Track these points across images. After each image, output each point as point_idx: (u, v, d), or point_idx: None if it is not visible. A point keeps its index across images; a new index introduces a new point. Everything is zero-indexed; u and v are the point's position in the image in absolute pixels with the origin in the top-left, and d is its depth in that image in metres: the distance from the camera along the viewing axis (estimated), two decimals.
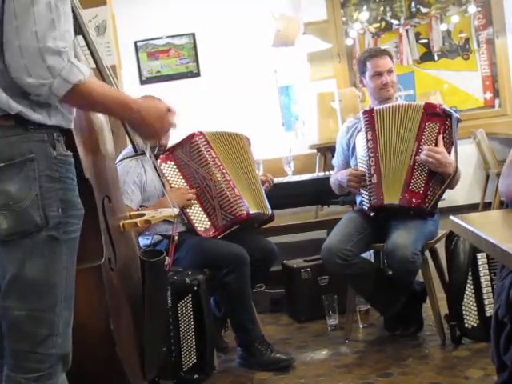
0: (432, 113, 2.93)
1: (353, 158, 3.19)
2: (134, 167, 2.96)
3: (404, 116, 2.97)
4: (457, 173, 2.90)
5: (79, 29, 1.79)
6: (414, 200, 2.88)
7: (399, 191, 2.92)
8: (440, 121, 2.92)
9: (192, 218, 3.01)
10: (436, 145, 2.89)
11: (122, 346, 1.75)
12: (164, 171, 3.03)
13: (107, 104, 1.55)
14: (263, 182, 3.28)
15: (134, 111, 1.61)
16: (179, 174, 3.06)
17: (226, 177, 3.06)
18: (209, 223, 3.01)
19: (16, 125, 1.43)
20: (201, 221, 3.02)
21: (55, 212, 1.46)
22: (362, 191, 3.07)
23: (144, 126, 1.67)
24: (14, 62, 1.39)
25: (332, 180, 3.27)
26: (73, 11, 1.72)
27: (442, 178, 2.91)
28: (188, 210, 3.01)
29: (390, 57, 3.18)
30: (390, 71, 3.13)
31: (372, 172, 2.98)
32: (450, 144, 2.91)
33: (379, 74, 3.12)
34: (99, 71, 1.89)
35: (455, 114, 2.93)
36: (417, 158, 2.89)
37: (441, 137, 2.90)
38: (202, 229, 3.00)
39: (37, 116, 1.45)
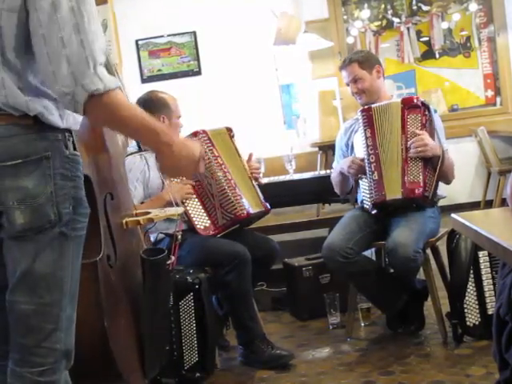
0: (411, 106, 3.00)
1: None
2: (138, 163, 2.96)
3: (391, 113, 3.01)
4: (446, 159, 2.92)
5: None
6: (416, 191, 2.90)
7: (399, 185, 2.93)
8: (420, 112, 2.98)
9: (192, 216, 3.01)
10: (417, 135, 2.95)
11: (116, 343, 1.75)
12: None
13: (133, 125, 1.50)
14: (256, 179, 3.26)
15: (163, 142, 1.55)
16: None
17: (228, 176, 3.06)
18: (209, 222, 3.02)
19: (33, 124, 1.46)
20: (201, 219, 3.02)
21: (67, 209, 1.49)
22: (362, 186, 3.08)
23: (170, 161, 1.60)
24: (44, 70, 1.41)
25: (333, 176, 3.27)
26: None
27: (433, 165, 2.95)
28: (188, 208, 3.01)
29: (360, 62, 3.15)
30: (355, 79, 3.16)
31: (373, 169, 2.99)
32: (432, 133, 2.98)
33: (348, 85, 3.22)
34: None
35: (431, 107, 3.05)
36: (409, 154, 2.93)
37: (423, 125, 2.97)
38: (202, 227, 3.00)
39: (52, 118, 1.48)
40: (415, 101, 3.01)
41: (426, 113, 3.00)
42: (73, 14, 1.39)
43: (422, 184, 2.91)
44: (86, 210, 1.56)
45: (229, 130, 3.27)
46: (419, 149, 2.90)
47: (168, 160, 1.60)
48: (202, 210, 3.03)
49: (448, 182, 3.06)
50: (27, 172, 1.44)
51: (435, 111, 3.08)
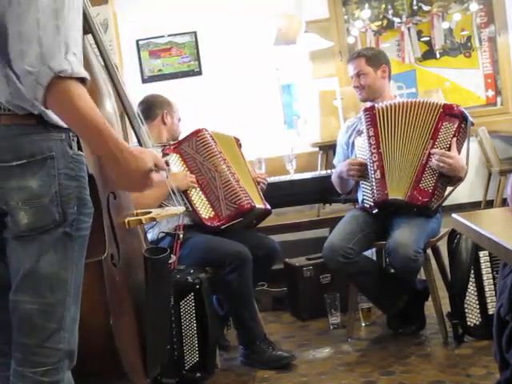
0: (450, 113, 2.93)
1: (352, 157, 3.19)
2: None
3: (414, 113, 2.97)
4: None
5: (89, 27, 1.79)
6: (420, 198, 2.89)
7: (406, 187, 2.92)
8: (457, 122, 2.92)
9: (197, 206, 3.01)
10: (449, 148, 2.90)
11: (121, 342, 1.75)
12: (169, 163, 3.05)
13: (88, 121, 1.40)
14: (258, 183, 3.28)
15: (112, 150, 1.44)
16: (184, 166, 3.08)
17: (231, 170, 3.08)
18: (213, 213, 3.02)
19: (37, 124, 1.46)
20: (205, 210, 3.03)
21: (72, 209, 1.49)
22: (362, 186, 3.08)
23: (117, 173, 1.49)
24: (12, 48, 1.38)
25: (333, 177, 3.28)
26: (83, 10, 1.72)
27: (449, 179, 2.93)
28: (193, 199, 3.02)
29: (367, 58, 3.15)
30: (358, 74, 3.16)
31: (375, 168, 2.98)
32: (461, 147, 2.94)
33: (352, 78, 3.21)
34: (107, 70, 1.90)
35: (470, 118, 2.95)
36: (429, 163, 2.90)
37: (455, 139, 2.91)
38: (207, 217, 3.01)
39: (55, 118, 1.46)
40: (455, 108, 2.93)
41: (463, 125, 2.93)
42: (53, 0, 1.36)
43: (430, 195, 2.89)
44: (90, 210, 1.55)
45: (236, 139, 3.36)
46: (441, 164, 2.86)
47: (115, 171, 1.49)
48: (206, 202, 3.04)
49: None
50: (32, 172, 1.44)
51: (472, 124, 2.96)
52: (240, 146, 3.36)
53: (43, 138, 1.46)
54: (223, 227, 3.00)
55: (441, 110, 2.94)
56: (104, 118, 1.45)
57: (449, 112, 2.94)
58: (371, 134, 3.01)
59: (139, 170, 1.50)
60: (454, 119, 2.92)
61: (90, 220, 1.55)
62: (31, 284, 1.47)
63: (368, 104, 3.17)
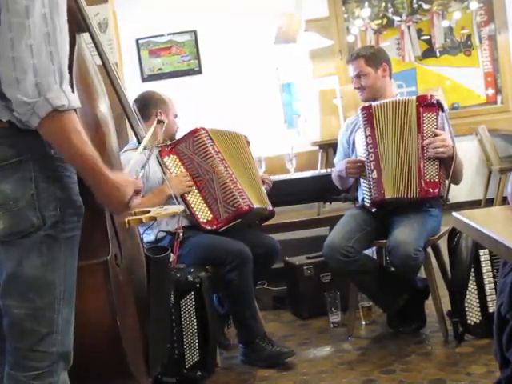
0: (426, 104, 2.96)
1: (353, 155, 3.19)
2: (138, 157, 2.96)
3: (400, 111, 2.99)
4: (457, 160, 2.91)
5: (86, 26, 1.78)
6: (431, 190, 2.89)
7: (407, 186, 2.92)
8: (435, 110, 2.95)
9: (194, 209, 3.01)
10: (435, 134, 2.92)
11: (127, 342, 1.75)
12: (166, 164, 3.04)
13: (78, 158, 1.43)
14: (263, 182, 3.29)
15: (100, 183, 1.50)
16: (182, 167, 3.07)
17: (229, 170, 3.07)
18: (211, 216, 3.01)
19: (10, 126, 1.42)
20: (203, 213, 3.02)
21: (52, 211, 1.45)
22: (362, 185, 3.09)
23: (104, 201, 1.57)
24: (5, 75, 1.36)
25: (333, 176, 3.29)
26: (79, 9, 1.71)
27: (446, 165, 2.94)
28: (190, 202, 3.01)
29: (366, 59, 3.14)
30: (359, 75, 3.15)
31: (372, 167, 2.99)
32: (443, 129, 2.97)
33: (352, 79, 3.21)
34: (105, 69, 1.89)
35: (445, 106, 3.02)
36: (425, 154, 2.90)
37: (438, 126, 2.94)
38: (205, 220, 3.00)
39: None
40: (430, 99, 2.96)
41: (440, 112, 2.96)
42: (45, 22, 1.34)
43: (438, 184, 2.90)
44: (77, 210, 1.52)
45: (245, 137, 3.36)
46: (441, 149, 2.88)
47: (101, 199, 1.56)
48: (204, 204, 3.03)
49: (457, 182, 3.04)
50: (5, 176, 1.41)
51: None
52: (248, 143, 3.34)
53: (17, 141, 1.42)
54: (222, 229, 3.00)
55: (416, 102, 2.97)
56: (95, 152, 1.47)
57: (424, 103, 2.96)
58: (368, 133, 3.01)
59: (121, 201, 1.58)
60: (431, 108, 2.95)
61: (77, 220, 1.52)
62: (16, 288, 1.45)
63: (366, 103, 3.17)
